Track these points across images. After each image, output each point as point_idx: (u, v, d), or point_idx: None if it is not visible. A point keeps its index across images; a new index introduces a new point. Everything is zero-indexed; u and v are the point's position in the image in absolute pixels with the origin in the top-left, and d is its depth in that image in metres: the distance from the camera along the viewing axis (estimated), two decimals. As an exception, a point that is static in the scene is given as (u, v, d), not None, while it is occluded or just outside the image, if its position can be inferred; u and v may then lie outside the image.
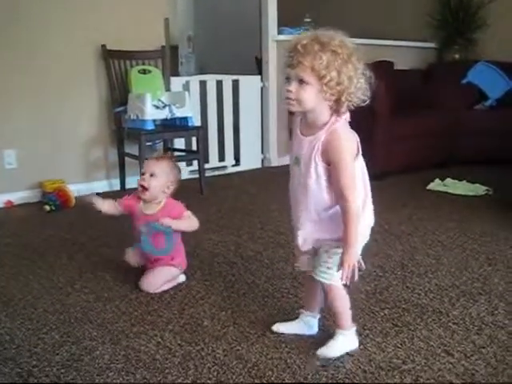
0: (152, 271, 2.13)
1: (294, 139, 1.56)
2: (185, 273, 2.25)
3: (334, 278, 1.55)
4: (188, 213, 2.16)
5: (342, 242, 1.48)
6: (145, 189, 2.10)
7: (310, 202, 1.52)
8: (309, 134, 1.49)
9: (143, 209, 2.14)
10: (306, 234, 1.59)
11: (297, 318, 1.79)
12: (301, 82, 1.39)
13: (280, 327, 1.78)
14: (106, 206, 2.17)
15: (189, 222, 2.15)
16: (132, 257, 2.18)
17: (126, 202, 2.19)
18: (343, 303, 1.63)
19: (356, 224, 1.45)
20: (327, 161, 1.45)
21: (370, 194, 1.57)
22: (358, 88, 1.42)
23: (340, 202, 1.46)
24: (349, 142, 1.47)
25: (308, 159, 1.47)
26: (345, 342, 1.64)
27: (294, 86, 1.41)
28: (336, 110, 1.44)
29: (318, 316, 1.78)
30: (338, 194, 1.46)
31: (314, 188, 1.49)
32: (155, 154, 2.33)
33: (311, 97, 1.40)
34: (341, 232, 1.48)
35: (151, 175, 2.11)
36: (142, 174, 2.14)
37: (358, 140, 1.51)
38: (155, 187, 2.10)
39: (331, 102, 1.42)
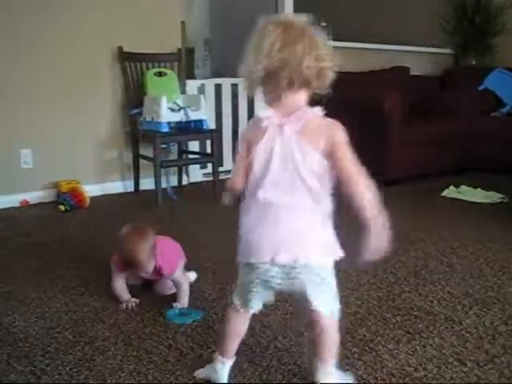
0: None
1: None
2: (197, 274, 2.26)
3: None
4: (179, 271, 2.05)
5: None
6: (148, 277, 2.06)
7: None
8: None
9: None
10: None
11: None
12: None
13: None
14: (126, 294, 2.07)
15: (186, 285, 2.05)
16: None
17: (123, 271, 2.05)
18: None
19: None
20: None
21: (257, 195, 1.32)
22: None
23: None
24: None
25: None
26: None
27: None
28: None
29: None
30: None
31: None
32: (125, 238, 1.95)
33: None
34: None
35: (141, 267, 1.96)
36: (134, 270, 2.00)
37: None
38: (149, 266, 1.97)
39: None
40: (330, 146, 1.25)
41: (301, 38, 1.21)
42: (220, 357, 1.49)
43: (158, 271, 2.01)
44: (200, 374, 1.55)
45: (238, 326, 1.48)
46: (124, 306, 2.01)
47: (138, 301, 2.03)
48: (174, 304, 1.99)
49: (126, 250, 1.92)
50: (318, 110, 1.27)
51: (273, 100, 1.29)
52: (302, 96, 1.28)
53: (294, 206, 1.28)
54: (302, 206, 1.29)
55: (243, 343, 1.71)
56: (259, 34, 1.25)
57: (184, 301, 2.01)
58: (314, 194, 1.27)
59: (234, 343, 1.49)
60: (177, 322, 1.88)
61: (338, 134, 1.26)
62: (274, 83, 1.25)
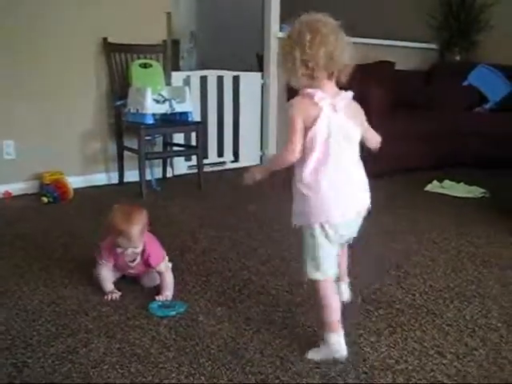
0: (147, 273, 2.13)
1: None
2: (180, 268, 2.26)
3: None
4: (164, 263, 2.07)
5: None
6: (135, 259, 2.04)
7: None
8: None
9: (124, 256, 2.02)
10: None
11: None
12: None
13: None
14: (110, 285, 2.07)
15: (170, 278, 2.06)
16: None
17: (110, 257, 2.05)
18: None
19: (274, 159, 1.74)
20: None
21: (330, 164, 1.54)
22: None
23: None
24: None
25: None
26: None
27: None
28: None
29: (347, 281, 1.92)
30: None
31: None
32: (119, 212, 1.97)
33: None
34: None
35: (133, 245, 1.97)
36: (119, 246, 1.97)
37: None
38: (139, 243, 1.98)
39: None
40: (361, 120, 1.64)
41: (347, 45, 1.55)
42: (331, 333, 1.59)
43: (145, 261, 2.02)
44: (316, 356, 1.62)
45: (335, 295, 1.63)
46: (108, 297, 2.00)
47: (120, 293, 2.03)
48: (156, 297, 1.99)
49: (120, 220, 1.93)
50: (350, 93, 1.59)
51: (317, 85, 1.55)
52: (334, 83, 1.58)
53: (355, 165, 1.61)
54: (358, 164, 1.62)
55: (227, 336, 1.72)
56: (320, 41, 1.50)
57: (167, 293, 2.01)
58: (357, 155, 1.62)
59: (338, 312, 1.61)
60: (159, 315, 1.88)
61: (362, 110, 1.67)
62: (323, 74, 1.54)
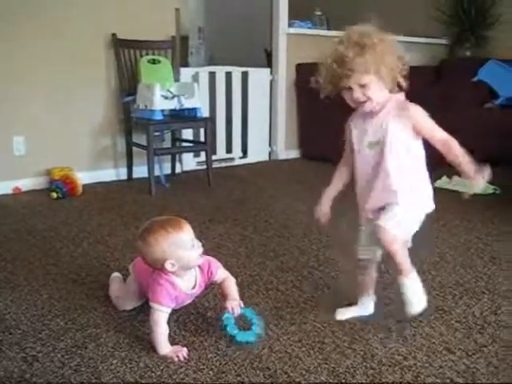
0: None
1: (355, 129, 1.70)
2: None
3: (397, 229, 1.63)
4: (222, 269, 1.80)
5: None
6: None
7: (384, 177, 1.64)
8: (369, 118, 1.65)
9: (182, 287, 1.68)
10: (375, 204, 1.70)
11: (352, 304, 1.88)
12: (362, 86, 1.56)
13: (342, 316, 1.83)
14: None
15: (234, 280, 1.80)
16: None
17: (172, 297, 1.65)
18: (405, 252, 1.67)
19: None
20: (410, 127, 1.64)
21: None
22: (401, 60, 1.59)
23: (444, 146, 1.72)
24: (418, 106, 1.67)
25: (384, 138, 1.62)
26: (413, 285, 1.67)
27: (358, 92, 1.57)
28: (392, 88, 1.63)
29: (373, 297, 1.88)
30: (440, 142, 1.71)
31: (393, 161, 1.64)
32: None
33: (377, 91, 1.58)
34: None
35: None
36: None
37: None
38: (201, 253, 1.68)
39: (390, 85, 1.60)
40: None
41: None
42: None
43: (206, 274, 1.73)
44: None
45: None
46: (175, 358, 1.56)
47: (185, 349, 1.62)
48: (228, 309, 1.70)
49: (166, 233, 1.60)
50: None
51: None
52: None
53: None
54: None
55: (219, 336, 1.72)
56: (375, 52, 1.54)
57: (237, 301, 1.74)
58: None
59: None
60: (239, 340, 1.65)
61: None
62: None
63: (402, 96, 1.67)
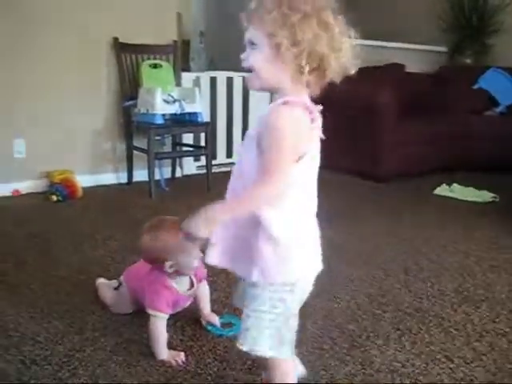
0: None
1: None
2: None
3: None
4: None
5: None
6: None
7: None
8: None
9: (178, 288, 1.69)
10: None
11: None
12: (251, 44, 1.12)
13: None
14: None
15: (207, 287, 1.84)
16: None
17: (169, 303, 1.65)
18: None
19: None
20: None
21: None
22: (337, 50, 1.09)
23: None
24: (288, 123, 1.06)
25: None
26: None
27: (245, 52, 1.12)
28: (297, 80, 1.09)
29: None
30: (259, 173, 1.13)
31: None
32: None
33: (261, 63, 1.09)
34: None
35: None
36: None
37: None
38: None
39: (293, 72, 1.08)
40: None
41: None
42: None
43: (196, 275, 1.74)
44: None
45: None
46: (173, 362, 1.57)
47: (183, 353, 1.63)
48: (207, 323, 1.79)
49: (167, 231, 1.58)
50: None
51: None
52: None
53: None
54: None
55: (233, 337, 1.72)
56: None
57: (209, 305, 1.82)
58: None
59: None
60: (217, 333, 1.75)
61: None
62: None
63: (300, 100, 1.09)
